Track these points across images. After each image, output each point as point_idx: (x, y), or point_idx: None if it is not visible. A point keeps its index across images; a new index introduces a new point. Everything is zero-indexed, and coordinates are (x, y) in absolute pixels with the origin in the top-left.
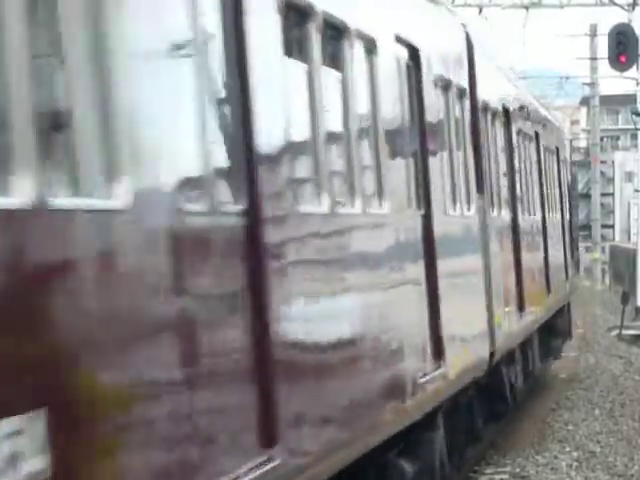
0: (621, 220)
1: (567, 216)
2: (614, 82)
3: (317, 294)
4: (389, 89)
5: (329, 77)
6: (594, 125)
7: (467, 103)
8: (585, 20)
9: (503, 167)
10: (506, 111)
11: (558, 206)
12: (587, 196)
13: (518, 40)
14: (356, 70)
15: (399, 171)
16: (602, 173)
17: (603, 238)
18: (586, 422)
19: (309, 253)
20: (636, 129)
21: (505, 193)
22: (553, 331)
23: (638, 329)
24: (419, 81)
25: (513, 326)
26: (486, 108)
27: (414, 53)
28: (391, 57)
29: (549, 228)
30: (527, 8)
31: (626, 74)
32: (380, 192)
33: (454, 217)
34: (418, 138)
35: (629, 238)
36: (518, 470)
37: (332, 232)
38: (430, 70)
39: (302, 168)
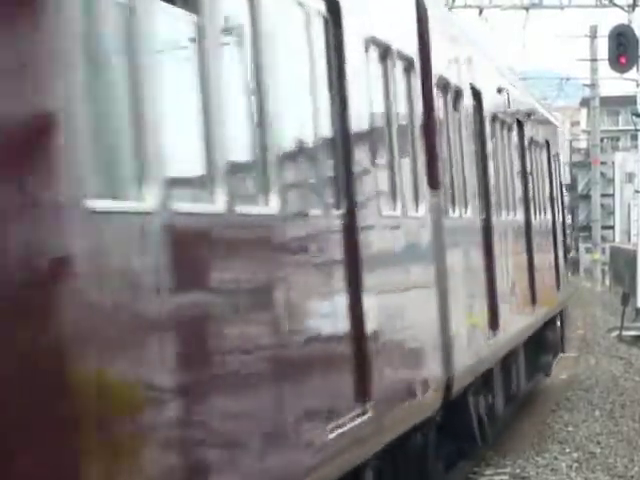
0: (621, 221)
1: (560, 217)
2: (614, 83)
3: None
4: (285, 43)
5: (170, 17)
6: (594, 126)
7: (416, 77)
8: (585, 21)
9: (471, 159)
10: (476, 93)
11: (548, 205)
12: (587, 197)
13: (518, 41)
14: (224, 13)
15: (302, 158)
16: (602, 174)
17: (603, 239)
18: (586, 423)
19: (114, 270)
20: (636, 130)
21: (473, 190)
22: (542, 345)
23: (638, 330)
24: (339, 40)
25: (482, 347)
26: (445, 86)
27: (333, 4)
28: (290, 2)
29: (535, 230)
30: (527, 9)
31: (626, 75)
32: (265, 185)
33: (392, 217)
34: (338, 115)
35: (629, 239)
36: (518, 471)
37: (168, 237)
38: (356, 28)
39: (108, 144)
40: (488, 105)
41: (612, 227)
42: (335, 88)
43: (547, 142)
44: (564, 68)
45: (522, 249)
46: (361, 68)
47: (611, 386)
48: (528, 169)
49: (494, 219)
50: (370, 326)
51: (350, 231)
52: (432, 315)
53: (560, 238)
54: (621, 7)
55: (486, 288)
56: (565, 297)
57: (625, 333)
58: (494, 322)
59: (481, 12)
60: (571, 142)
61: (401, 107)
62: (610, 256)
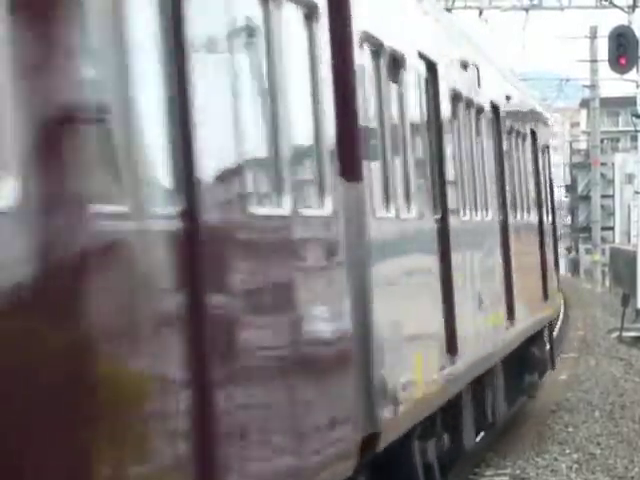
0: (621, 222)
1: (549, 217)
2: (614, 84)
3: None
4: None
5: None
6: (594, 127)
7: (323, 30)
8: (585, 22)
9: (420, 146)
10: (430, 63)
11: (533, 204)
12: (587, 198)
13: (518, 42)
14: None
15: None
16: (602, 175)
17: (603, 240)
18: (586, 424)
19: None
20: (636, 131)
21: (423, 184)
22: (527, 364)
23: (638, 331)
24: None
25: (432, 379)
26: (376, 49)
27: None
28: None
29: (514, 232)
30: (527, 10)
31: (626, 76)
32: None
33: (271, 217)
34: (173, 72)
35: (629, 240)
36: (518, 472)
37: None
38: None
39: None
40: (447, 80)
41: (612, 228)
42: (170, 37)
43: (533, 132)
44: (564, 69)
45: (494, 255)
46: (220, 12)
47: (611, 387)
48: (506, 161)
49: (453, 219)
50: (218, 377)
51: (190, 236)
52: (340, 346)
53: (549, 241)
54: (621, 8)
55: (441, 304)
56: (555, 308)
57: (625, 334)
58: (452, 345)
59: (481, 13)
60: (571, 143)
61: (293, 69)
62: (610, 257)
